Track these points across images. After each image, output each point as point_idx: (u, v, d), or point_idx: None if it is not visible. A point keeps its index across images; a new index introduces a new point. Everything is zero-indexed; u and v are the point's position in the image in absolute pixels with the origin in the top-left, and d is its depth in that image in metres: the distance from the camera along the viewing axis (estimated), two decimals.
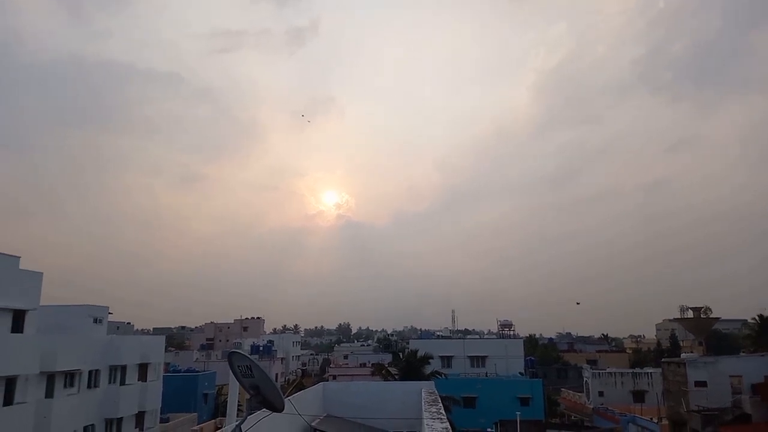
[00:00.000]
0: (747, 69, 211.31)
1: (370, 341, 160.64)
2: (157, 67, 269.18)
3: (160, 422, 39.84)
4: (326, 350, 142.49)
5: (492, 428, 41.33)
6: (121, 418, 34.44)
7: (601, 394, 59.76)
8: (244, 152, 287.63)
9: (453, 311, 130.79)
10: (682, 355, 51.62)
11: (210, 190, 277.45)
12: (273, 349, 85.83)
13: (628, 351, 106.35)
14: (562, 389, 71.24)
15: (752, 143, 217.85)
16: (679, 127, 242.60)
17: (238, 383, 6.31)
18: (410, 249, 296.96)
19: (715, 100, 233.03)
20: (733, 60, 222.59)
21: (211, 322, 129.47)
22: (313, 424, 14.97)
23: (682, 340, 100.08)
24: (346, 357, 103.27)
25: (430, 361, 45.86)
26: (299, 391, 19.35)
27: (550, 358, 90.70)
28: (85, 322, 38.22)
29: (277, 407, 6.13)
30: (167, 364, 55.99)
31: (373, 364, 62.69)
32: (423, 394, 15.73)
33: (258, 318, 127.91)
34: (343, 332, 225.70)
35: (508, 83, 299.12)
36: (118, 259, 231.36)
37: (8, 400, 25.63)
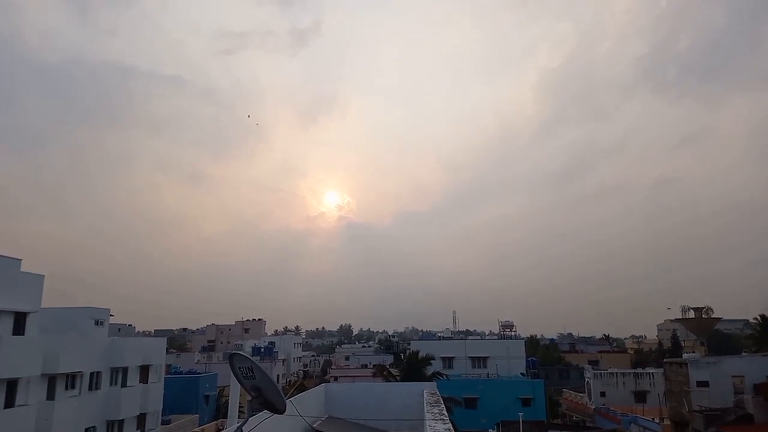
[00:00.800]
0: (752, 64, 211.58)
1: (371, 342, 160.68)
2: (162, 66, 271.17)
3: (162, 424, 39.87)
4: (327, 351, 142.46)
5: (494, 429, 41.21)
6: (123, 420, 34.46)
7: (602, 394, 59.68)
8: (247, 152, 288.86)
9: (454, 312, 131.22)
10: (684, 356, 51.52)
11: (214, 189, 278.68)
12: (274, 350, 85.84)
13: (629, 351, 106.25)
14: (564, 390, 71.16)
15: (758, 139, 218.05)
16: (685, 124, 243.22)
17: (239, 385, 6.30)
18: (412, 249, 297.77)
19: (720, 96, 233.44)
20: (737, 56, 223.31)
21: (213, 324, 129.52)
22: (314, 425, 14.95)
23: (684, 341, 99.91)
24: (347, 358, 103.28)
25: (432, 362, 45.87)
26: (301, 392, 19.33)
27: (552, 359, 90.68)
28: (86, 324, 38.24)
29: (278, 409, 6.11)
30: (168, 366, 55.98)
31: (374, 366, 62.81)
32: (425, 395, 15.70)
33: (259, 319, 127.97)
34: (345, 333, 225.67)
35: (512, 80, 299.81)
36: (121, 257, 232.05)
37: (10, 403, 25.65)
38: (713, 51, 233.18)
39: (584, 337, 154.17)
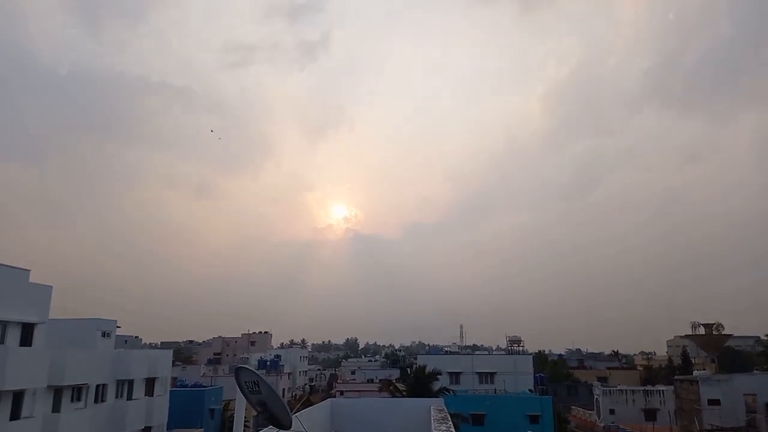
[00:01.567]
0: (760, 79, 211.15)
1: (377, 356, 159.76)
2: (170, 80, 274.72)
3: None
4: (333, 365, 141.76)
5: None
6: None
7: (612, 411, 58.87)
8: (255, 165, 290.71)
9: (461, 326, 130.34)
10: (695, 373, 50.81)
11: (222, 202, 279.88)
12: (280, 363, 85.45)
13: (639, 368, 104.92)
14: (573, 407, 70.26)
15: (766, 153, 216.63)
16: (693, 138, 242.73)
17: (245, 399, 6.24)
18: (419, 262, 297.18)
19: (728, 111, 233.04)
20: (746, 70, 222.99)
21: (219, 336, 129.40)
22: None
23: (694, 357, 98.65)
24: (353, 372, 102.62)
25: (439, 377, 45.40)
26: (307, 407, 19.20)
27: (560, 375, 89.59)
28: (93, 336, 38.23)
29: (284, 424, 6.04)
30: (174, 379, 55.78)
31: (380, 380, 62.27)
32: (432, 412, 15.51)
33: (265, 332, 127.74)
34: (351, 347, 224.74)
35: (520, 94, 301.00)
36: (129, 270, 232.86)
37: (15, 415, 25.57)
38: (721, 65, 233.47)
39: (593, 353, 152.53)
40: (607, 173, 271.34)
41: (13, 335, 27.74)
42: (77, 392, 30.45)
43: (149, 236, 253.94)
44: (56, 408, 28.68)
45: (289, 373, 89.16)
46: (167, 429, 40.23)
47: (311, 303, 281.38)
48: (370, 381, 78.80)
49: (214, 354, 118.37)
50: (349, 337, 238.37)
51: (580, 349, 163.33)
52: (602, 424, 57.42)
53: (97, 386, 32.36)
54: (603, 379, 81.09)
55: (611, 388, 62.83)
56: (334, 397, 62.23)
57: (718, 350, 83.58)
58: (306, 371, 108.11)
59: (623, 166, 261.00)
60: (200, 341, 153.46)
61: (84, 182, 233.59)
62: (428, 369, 45.09)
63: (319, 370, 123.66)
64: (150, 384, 38.20)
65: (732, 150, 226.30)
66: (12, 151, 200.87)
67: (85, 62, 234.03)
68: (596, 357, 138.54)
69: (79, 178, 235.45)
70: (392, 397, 41.63)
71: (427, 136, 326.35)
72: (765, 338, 59.11)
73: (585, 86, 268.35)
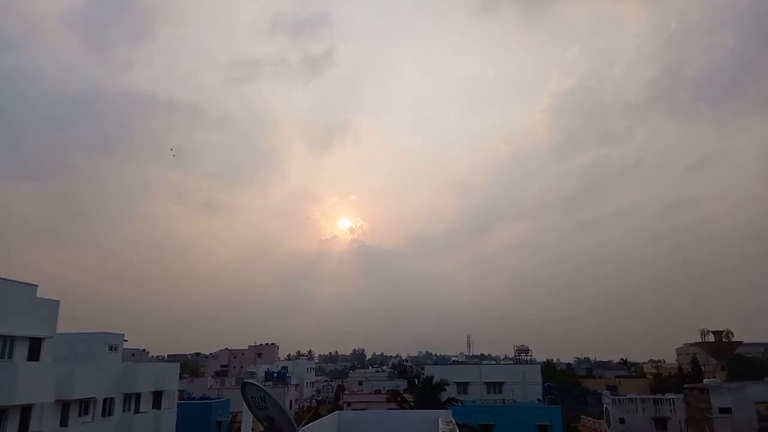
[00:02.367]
0: (764, 88, 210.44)
1: (384, 367, 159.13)
2: (177, 96, 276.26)
3: None
4: (340, 376, 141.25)
5: None
6: None
7: (621, 421, 58.24)
8: (262, 178, 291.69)
9: (468, 336, 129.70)
10: (705, 381, 50.31)
11: (228, 215, 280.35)
12: (287, 375, 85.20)
13: (648, 376, 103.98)
14: (582, 416, 69.61)
15: None
16: (698, 147, 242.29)
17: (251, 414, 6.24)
18: (425, 272, 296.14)
19: (732, 120, 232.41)
20: (749, 79, 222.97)
21: (226, 349, 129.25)
22: None
23: (704, 365, 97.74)
24: (360, 383, 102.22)
25: (446, 387, 45.15)
26: (315, 420, 19.12)
27: (569, 384, 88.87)
28: (100, 350, 38.24)
29: None
30: (181, 392, 55.74)
31: (388, 391, 62.04)
32: (440, 424, 15.44)
33: (272, 344, 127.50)
34: (358, 358, 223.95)
35: (524, 105, 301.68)
36: (137, 283, 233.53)
37: (23, 429, 25.60)
38: (725, 74, 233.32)
39: (601, 362, 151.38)
40: (613, 183, 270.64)
41: (21, 350, 27.79)
42: (85, 406, 30.49)
43: (157, 250, 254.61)
44: (64, 422, 28.69)
45: (296, 385, 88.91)
46: None
47: (318, 314, 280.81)
48: (378, 392, 78.50)
49: (221, 366, 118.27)
50: (356, 348, 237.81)
51: (588, 358, 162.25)
52: None
53: (105, 400, 32.38)
54: (612, 388, 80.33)
55: (620, 397, 62.18)
56: (342, 408, 61.97)
57: (728, 358, 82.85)
58: (313, 382, 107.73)
59: (629, 176, 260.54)
60: (207, 353, 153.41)
61: (92, 199, 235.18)
62: (436, 379, 44.86)
63: (326, 381, 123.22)
64: (157, 397, 38.17)
65: (738, 158, 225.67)
66: (20, 169, 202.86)
67: (92, 80, 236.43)
68: (605, 365, 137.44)
69: (86, 195, 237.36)
70: (400, 408, 41.45)
71: (432, 148, 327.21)
72: None
73: (589, 96, 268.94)
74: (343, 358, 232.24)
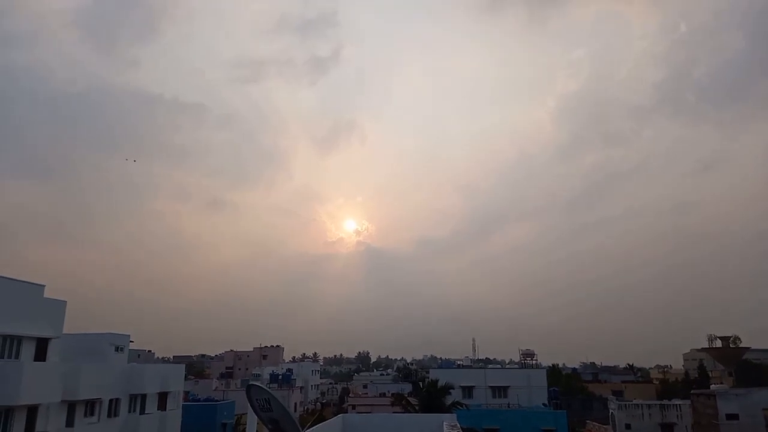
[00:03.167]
0: (766, 88, 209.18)
1: (389, 370, 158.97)
2: (182, 95, 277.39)
3: None
4: (345, 379, 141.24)
5: None
6: None
7: (628, 426, 57.86)
8: (267, 178, 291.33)
9: (473, 339, 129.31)
10: (712, 387, 49.99)
11: (234, 215, 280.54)
12: (292, 377, 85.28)
13: (654, 382, 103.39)
14: (587, 421, 69.17)
15: None
16: (704, 149, 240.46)
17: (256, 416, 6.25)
18: (430, 274, 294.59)
19: (739, 122, 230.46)
20: (757, 81, 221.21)
21: (231, 350, 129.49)
22: None
23: (711, 371, 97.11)
24: (365, 386, 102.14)
25: (451, 391, 45.04)
26: (320, 422, 19.10)
27: (574, 389, 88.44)
28: (106, 350, 38.42)
29: None
30: (187, 393, 55.87)
31: (392, 394, 61.89)
32: (445, 428, 15.40)
33: (277, 346, 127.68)
34: (363, 361, 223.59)
35: (530, 106, 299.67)
36: (142, 283, 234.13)
37: (29, 429, 25.70)
38: (732, 76, 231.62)
39: (607, 367, 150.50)
40: (618, 185, 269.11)
41: (28, 350, 27.97)
42: (90, 407, 30.58)
43: (161, 250, 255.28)
44: (70, 422, 28.78)
45: (301, 387, 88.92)
46: None
47: (323, 316, 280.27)
48: (382, 395, 78.33)
49: (226, 368, 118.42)
50: (361, 351, 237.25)
51: (594, 363, 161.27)
52: None
53: (110, 400, 32.46)
54: (618, 393, 79.91)
55: (627, 402, 61.81)
56: (346, 411, 61.93)
57: (736, 363, 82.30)
58: (318, 385, 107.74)
59: (635, 178, 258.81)
60: (212, 355, 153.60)
61: (97, 198, 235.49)
62: (440, 383, 44.75)
63: (331, 383, 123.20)
64: (162, 398, 38.27)
65: (745, 161, 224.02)
66: (24, 168, 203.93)
67: (97, 79, 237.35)
68: (611, 370, 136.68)
69: (91, 194, 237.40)
70: (405, 411, 41.35)
71: (437, 148, 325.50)
72: None
73: (595, 98, 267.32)
74: (348, 360, 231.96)
